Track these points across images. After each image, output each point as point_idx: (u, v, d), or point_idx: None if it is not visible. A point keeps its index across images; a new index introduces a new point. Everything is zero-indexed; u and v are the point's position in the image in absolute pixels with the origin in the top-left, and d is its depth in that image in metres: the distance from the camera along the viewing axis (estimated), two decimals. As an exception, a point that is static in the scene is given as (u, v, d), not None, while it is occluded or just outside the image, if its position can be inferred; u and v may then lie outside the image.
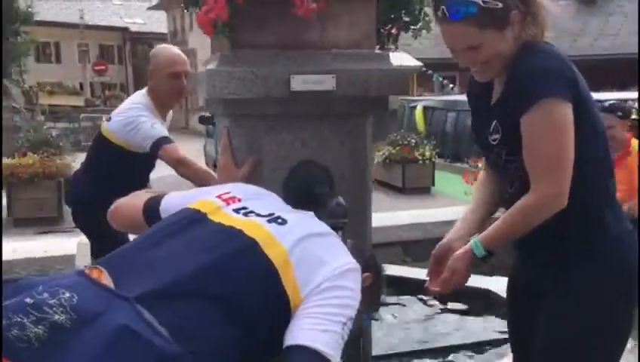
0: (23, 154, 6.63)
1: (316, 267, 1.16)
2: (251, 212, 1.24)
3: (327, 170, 1.84)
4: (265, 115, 1.81)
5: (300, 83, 1.69)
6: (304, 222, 1.27)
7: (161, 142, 2.29)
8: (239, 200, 1.28)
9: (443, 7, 1.30)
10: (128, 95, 4.91)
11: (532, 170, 1.35)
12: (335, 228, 1.48)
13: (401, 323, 2.83)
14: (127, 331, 0.95)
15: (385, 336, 2.62)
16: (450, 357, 2.45)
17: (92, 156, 2.61)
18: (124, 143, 2.40)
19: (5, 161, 6.40)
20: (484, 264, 1.47)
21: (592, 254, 1.41)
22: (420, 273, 3.03)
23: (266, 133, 1.84)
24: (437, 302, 2.95)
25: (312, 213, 1.34)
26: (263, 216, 1.23)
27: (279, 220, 1.23)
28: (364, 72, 1.75)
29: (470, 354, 2.47)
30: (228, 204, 1.26)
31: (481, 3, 1.28)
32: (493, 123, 1.43)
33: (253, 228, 1.19)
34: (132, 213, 1.40)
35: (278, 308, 1.11)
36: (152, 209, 1.36)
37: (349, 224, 1.84)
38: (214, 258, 1.11)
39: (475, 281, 2.92)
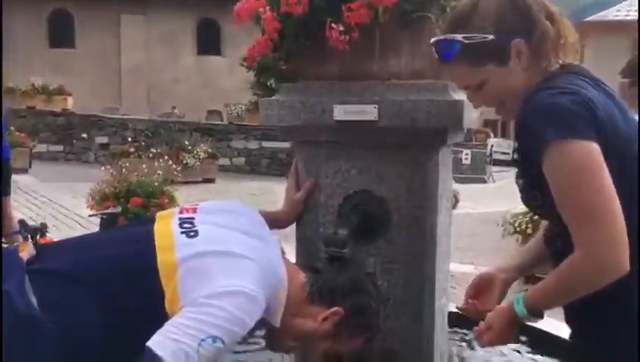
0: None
1: (201, 281, 1.23)
2: (185, 222, 1.37)
3: (383, 201, 1.85)
4: (320, 141, 1.87)
5: (342, 113, 1.73)
6: (220, 240, 1.33)
7: None
8: (194, 210, 1.43)
9: (434, 48, 1.25)
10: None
11: (570, 226, 1.16)
12: (331, 257, 1.51)
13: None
14: (3, 292, 1.20)
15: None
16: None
17: None
18: None
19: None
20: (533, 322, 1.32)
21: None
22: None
23: (323, 160, 1.90)
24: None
25: (271, 239, 1.44)
26: (185, 227, 1.35)
27: (191, 233, 1.34)
28: (412, 102, 1.71)
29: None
30: (181, 212, 1.43)
31: (463, 40, 1.20)
32: (520, 164, 1.32)
33: (165, 235, 1.33)
34: None
35: (153, 309, 1.23)
36: None
37: (401, 265, 1.81)
38: (111, 253, 1.32)
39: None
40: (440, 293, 1.94)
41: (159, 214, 1.47)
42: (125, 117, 16.05)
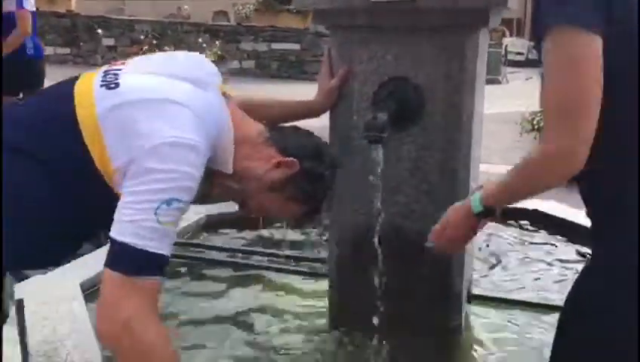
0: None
1: (129, 137, 1.12)
2: (109, 74, 1.23)
3: (418, 87, 1.81)
4: (355, 25, 1.81)
5: (380, -7, 1.66)
6: (144, 87, 1.20)
7: None
8: (123, 63, 1.29)
9: None
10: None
11: (546, 117, 1.10)
12: (370, 141, 1.48)
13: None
14: None
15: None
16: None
17: None
18: None
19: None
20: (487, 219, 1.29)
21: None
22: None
23: (357, 45, 1.84)
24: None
25: (211, 83, 1.28)
26: (107, 80, 1.21)
27: (112, 85, 1.20)
28: (453, -20, 1.64)
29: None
30: (110, 65, 1.29)
31: None
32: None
33: (85, 92, 1.20)
34: None
35: (84, 170, 1.14)
36: None
37: (431, 157, 1.80)
38: (37, 115, 1.22)
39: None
40: (473, 180, 1.95)
41: (86, 73, 1.30)
42: (132, 18, 15.66)
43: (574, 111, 1.03)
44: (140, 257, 1.09)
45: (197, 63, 1.33)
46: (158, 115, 1.14)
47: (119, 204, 1.11)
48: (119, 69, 1.24)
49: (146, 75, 1.24)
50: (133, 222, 1.08)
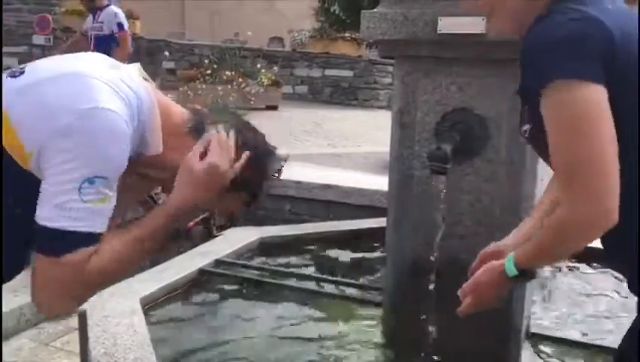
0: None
1: (39, 118, 1.06)
2: (18, 68, 1.18)
3: (483, 119, 1.81)
4: (420, 56, 1.83)
5: (447, 25, 1.67)
6: (50, 66, 1.15)
7: None
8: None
9: None
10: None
11: (558, 177, 1.07)
12: (433, 171, 1.49)
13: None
14: None
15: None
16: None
17: None
18: None
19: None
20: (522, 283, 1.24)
21: None
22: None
23: (422, 75, 1.86)
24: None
25: (126, 66, 1.23)
26: (12, 72, 1.16)
27: (17, 73, 1.14)
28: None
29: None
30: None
31: None
32: (525, 108, 1.18)
33: None
34: None
35: (9, 171, 1.07)
36: None
37: (493, 190, 1.78)
38: None
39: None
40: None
41: None
42: (192, 42, 16.15)
43: (590, 175, 0.99)
44: (71, 238, 1.07)
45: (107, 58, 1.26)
46: (67, 89, 1.08)
47: (41, 187, 1.07)
48: (30, 63, 1.20)
49: (53, 59, 1.20)
50: (58, 206, 1.05)
